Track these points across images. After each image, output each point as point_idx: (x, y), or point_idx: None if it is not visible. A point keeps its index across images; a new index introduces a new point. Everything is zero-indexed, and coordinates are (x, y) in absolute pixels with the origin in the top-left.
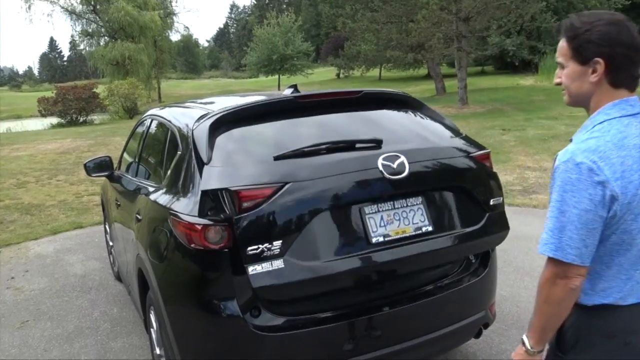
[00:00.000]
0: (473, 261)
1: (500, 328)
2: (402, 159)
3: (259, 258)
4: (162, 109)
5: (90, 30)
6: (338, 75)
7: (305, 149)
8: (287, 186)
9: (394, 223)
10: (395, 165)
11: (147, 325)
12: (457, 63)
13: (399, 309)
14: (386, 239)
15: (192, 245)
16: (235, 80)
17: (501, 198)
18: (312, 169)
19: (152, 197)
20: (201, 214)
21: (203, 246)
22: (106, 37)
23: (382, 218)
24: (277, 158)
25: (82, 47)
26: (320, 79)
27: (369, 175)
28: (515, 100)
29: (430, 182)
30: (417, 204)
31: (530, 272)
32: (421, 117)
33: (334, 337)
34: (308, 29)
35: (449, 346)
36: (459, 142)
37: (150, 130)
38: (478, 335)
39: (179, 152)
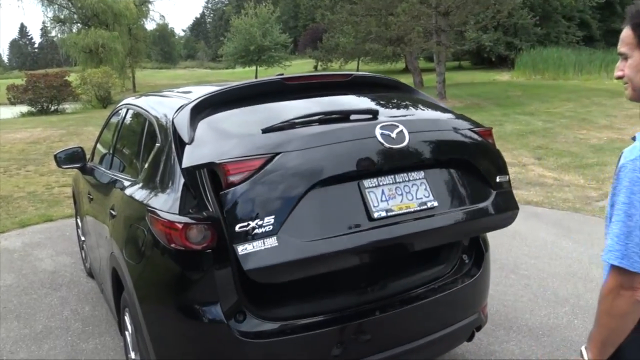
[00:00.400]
0: (466, 261)
1: (488, 328)
2: (401, 128)
3: (249, 236)
4: (138, 97)
5: (62, 16)
6: (316, 67)
7: (296, 121)
8: (277, 157)
9: (396, 198)
10: (394, 135)
11: (122, 327)
12: (435, 57)
13: (393, 312)
14: (389, 214)
15: (172, 246)
16: (212, 71)
17: (507, 176)
18: (305, 139)
19: (128, 191)
20: (182, 211)
21: (184, 246)
22: (79, 24)
23: (383, 192)
24: (265, 131)
25: (53, 33)
26: (297, 70)
27: (366, 144)
28: (492, 96)
29: (432, 154)
30: (419, 179)
31: (514, 270)
32: (414, 100)
33: (324, 343)
34: (286, 20)
35: (442, 350)
36: (459, 119)
37: (125, 121)
38: (470, 338)
39: (157, 144)
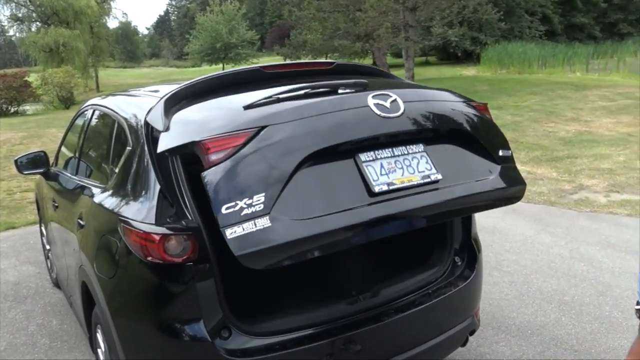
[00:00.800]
0: (459, 263)
1: None
2: (395, 97)
3: (238, 218)
4: (105, 98)
5: (20, 14)
6: None
7: (281, 96)
8: (264, 131)
9: (397, 172)
10: (388, 104)
11: (93, 344)
12: (404, 53)
13: (386, 322)
14: (391, 187)
15: (149, 259)
16: (178, 69)
17: (510, 151)
18: (293, 111)
19: (97, 199)
20: (159, 221)
21: (162, 259)
22: (38, 23)
23: (382, 166)
24: (248, 107)
25: (11, 32)
26: None
27: (359, 114)
28: (460, 90)
29: (431, 124)
30: (419, 152)
31: (497, 267)
32: (401, 82)
33: (315, 357)
34: (252, 17)
35: (437, 358)
36: (452, 94)
37: (92, 123)
38: (464, 343)
39: (128, 148)
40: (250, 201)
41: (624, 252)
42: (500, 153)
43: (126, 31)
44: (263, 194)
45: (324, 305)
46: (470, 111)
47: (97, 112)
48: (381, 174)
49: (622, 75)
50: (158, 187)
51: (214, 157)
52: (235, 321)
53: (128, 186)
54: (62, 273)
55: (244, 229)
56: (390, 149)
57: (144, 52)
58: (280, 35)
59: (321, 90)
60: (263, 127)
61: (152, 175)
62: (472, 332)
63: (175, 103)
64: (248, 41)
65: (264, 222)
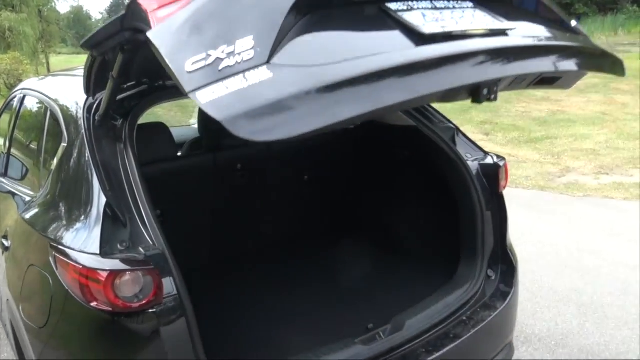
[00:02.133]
0: (492, 278)
1: None
2: None
3: (215, 73)
4: (43, 79)
5: None
6: None
7: None
8: None
9: (447, 20)
10: None
11: None
12: None
13: None
14: (445, 29)
15: (93, 304)
16: None
17: (584, 36)
18: None
19: (25, 214)
20: (106, 250)
21: (112, 305)
22: None
23: (423, 15)
24: None
25: None
26: None
27: None
28: None
29: None
30: (468, 8)
31: None
32: None
33: None
34: None
35: None
36: None
37: (21, 112)
38: None
39: (63, 144)
40: (231, 48)
41: (633, 242)
42: (574, 23)
43: (78, 16)
44: (251, 37)
45: (332, 348)
46: None
47: (29, 99)
48: (427, 21)
49: None
50: (104, 199)
51: (162, 13)
52: None
53: (63, 198)
54: None
55: (227, 87)
56: (427, 1)
57: None
58: None
59: None
60: None
61: (96, 181)
62: None
63: None
64: None
65: (261, 75)
